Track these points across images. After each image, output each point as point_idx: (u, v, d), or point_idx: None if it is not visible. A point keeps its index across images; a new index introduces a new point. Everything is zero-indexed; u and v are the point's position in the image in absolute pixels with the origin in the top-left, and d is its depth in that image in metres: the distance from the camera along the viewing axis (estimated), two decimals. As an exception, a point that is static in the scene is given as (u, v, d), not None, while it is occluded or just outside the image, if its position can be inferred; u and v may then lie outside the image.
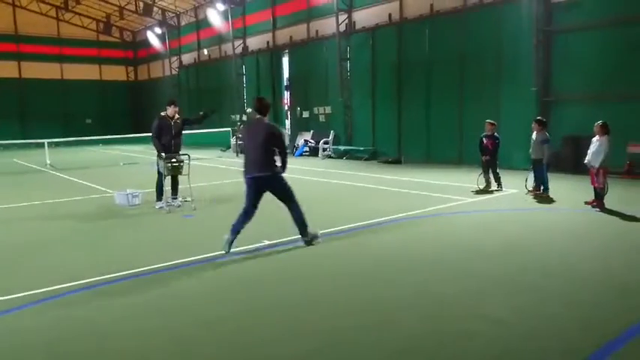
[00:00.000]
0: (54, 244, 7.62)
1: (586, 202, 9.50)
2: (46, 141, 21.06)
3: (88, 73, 40.59)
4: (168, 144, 9.99)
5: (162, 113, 10.17)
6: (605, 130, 9.14)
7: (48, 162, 19.92)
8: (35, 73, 37.70)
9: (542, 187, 10.69)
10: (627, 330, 4.19)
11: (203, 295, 5.29)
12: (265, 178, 6.87)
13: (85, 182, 14.48)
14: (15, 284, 5.63)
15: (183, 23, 34.46)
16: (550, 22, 14.75)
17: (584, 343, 4.00)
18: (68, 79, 39.56)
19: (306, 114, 24.23)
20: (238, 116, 28.43)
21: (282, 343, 4.16)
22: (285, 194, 7.11)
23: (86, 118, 39.46)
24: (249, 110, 7.23)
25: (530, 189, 10.89)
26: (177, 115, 10.31)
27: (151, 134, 10.12)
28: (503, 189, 11.36)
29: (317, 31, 23.05)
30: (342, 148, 21.27)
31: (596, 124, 9.30)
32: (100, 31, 40.42)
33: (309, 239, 7.07)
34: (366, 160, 19.70)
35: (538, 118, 11.33)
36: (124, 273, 5.97)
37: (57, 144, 25.30)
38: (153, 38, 37.67)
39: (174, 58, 35.95)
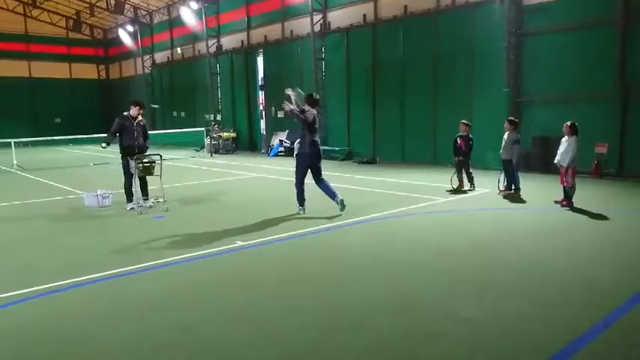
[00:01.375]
0: (18, 246, 7.39)
1: (556, 201, 9.70)
2: (12, 141, 20.45)
3: (58, 71, 39.62)
4: (131, 145, 9.84)
5: (125, 113, 10.08)
6: (573, 130, 9.33)
7: (15, 162, 19.36)
8: (1, 71, 36.61)
9: (513, 187, 10.87)
10: (591, 327, 4.27)
11: (173, 298, 5.19)
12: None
13: (53, 183, 14.10)
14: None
15: (155, 21, 33.96)
16: (521, 25, 15.02)
17: (552, 340, 4.06)
18: (36, 77, 38.57)
19: (281, 114, 24.10)
20: (212, 116, 28.14)
21: (251, 348, 4.10)
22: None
23: (55, 117, 38.52)
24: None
25: (502, 189, 11.06)
26: (140, 117, 10.16)
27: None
28: (476, 189, 11.51)
29: (292, 31, 22.99)
30: (317, 148, 21.20)
31: (565, 124, 9.48)
32: (70, 28, 39.50)
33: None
34: (341, 160, 19.72)
35: (510, 118, 11.51)
36: (92, 276, 5.82)
37: (25, 144, 24.61)
38: (125, 36, 37.00)
39: (146, 57, 35.40)
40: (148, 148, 10.29)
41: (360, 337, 4.24)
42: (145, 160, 9.69)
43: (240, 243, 7.17)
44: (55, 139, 24.89)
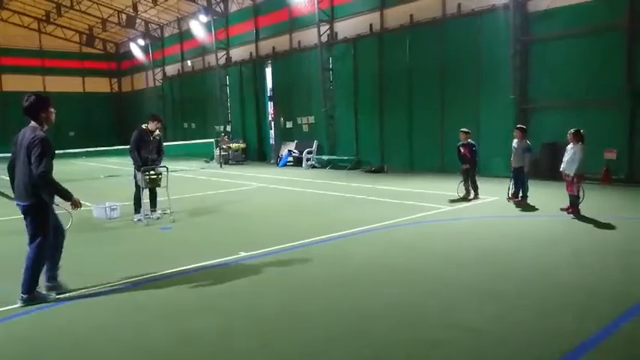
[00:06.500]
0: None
1: (562, 209, 9.61)
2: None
3: (71, 85, 40.31)
4: (146, 158, 9.92)
5: (144, 126, 10.12)
6: (578, 137, 9.23)
7: (28, 175, 19.64)
8: (16, 86, 37.27)
9: (520, 194, 10.78)
10: (591, 337, 4.23)
11: (175, 309, 5.23)
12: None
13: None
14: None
15: (166, 35, 34.42)
16: (527, 32, 14.99)
17: (551, 350, 4.02)
18: (51, 92, 39.20)
19: (289, 124, 24.26)
20: (222, 127, 28.39)
21: (251, 356, 4.13)
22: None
23: (69, 130, 39.08)
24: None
25: (510, 196, 10.99)
26: (157, 131, 10.26)
27: (129, 147, 10.06)
28: (480, 197, 11.41)
29: (299, 42, 23.17)
30: (325, 157, 21.31)
31: (569, 131, 9.41)
32: (83, 43, 40.25)
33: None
34: (349, 169, 19.75)
35: (519, 125, 11.41)
36: (94, 289, 5.89)
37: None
38: (136, 50, 37.53)
39: (157, 70, 35.86)
40: (160, 161, 10.27)
41: (360, 345, 4.25)
42: (151, 173, 9.81)
43: (243, 254, 7.21)
44: (69, 152, 25.22)
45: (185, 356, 4.17)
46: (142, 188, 9.84)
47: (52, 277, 5.73)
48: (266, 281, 6.09)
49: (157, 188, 10.18)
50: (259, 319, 4.88)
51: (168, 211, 10.18)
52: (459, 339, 4.28)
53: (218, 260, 6.93)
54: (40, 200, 5.35)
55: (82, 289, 5.85)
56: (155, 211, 10.25)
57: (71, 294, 5.70)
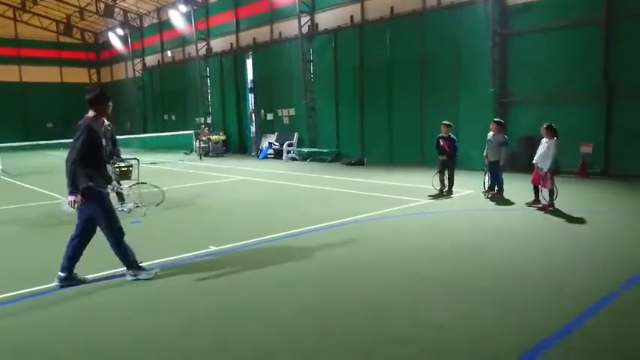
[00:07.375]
0: (-11, 254, 7.28)
1: (527, 203, 9.60)
2: (-2, 146, 20.35)
3: (48, 75, 39.46)
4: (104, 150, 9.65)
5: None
6: (551, 132, 9.17)
7: (0, 167, 19.23)
8: (-9, 76, 36.47)
9: (496, 188, 10.77)
10: (553, 334, 4.19)
11: (136, 309, 5.09)
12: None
13: (37, 188, 13.96)
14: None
15: (145, 24, 33.82)
16: (506, 25, 14.98)
17: (512, 347, 3.98)
18: (27, 82, 38.40)
19: (270, 116, 24.05)
20: (202, 119, 28.06)
21: (213, 355, 4.02)
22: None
23: (47, 121, 38.33)
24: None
25: (486, 190, 10.97)
26: (106, 122, 9.99)
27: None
28: (454, 192, 11.24)
29: (280, 33, 22.92)
30: (306, 150, 21.18)
31: (542, 126, 9.37)
32: (61, 32, 39.38)
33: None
34: (329, 162, 19.65)
35: (496, 119, 11.35)
36: (49, 285, 5.70)
37: (15, 149, 24.42)
38: (115, 40, 36.87)
39: (137, 60, 35.27)
40: (119, 152, 9.96)
41: (321, 342, 4.17)
42: (121, 165, 9.59)
43: (212, 248, 7.08)
44: (47, 144, 24.72)
45: (137, 357, 4.04)
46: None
47: (67, 268, 5.68)
48: (233, 277, 5.96)
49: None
50: (220, 318, 4.76)
51: (139, 205, 9.98)
52: (425, 337, 4.22)
53: (187, 255, 6.79)
54: (90, 187, 5.51)
55: (45, 285, 5.67)
56: (124, 204, 10.04)
57: (33, 289, 5.55)
